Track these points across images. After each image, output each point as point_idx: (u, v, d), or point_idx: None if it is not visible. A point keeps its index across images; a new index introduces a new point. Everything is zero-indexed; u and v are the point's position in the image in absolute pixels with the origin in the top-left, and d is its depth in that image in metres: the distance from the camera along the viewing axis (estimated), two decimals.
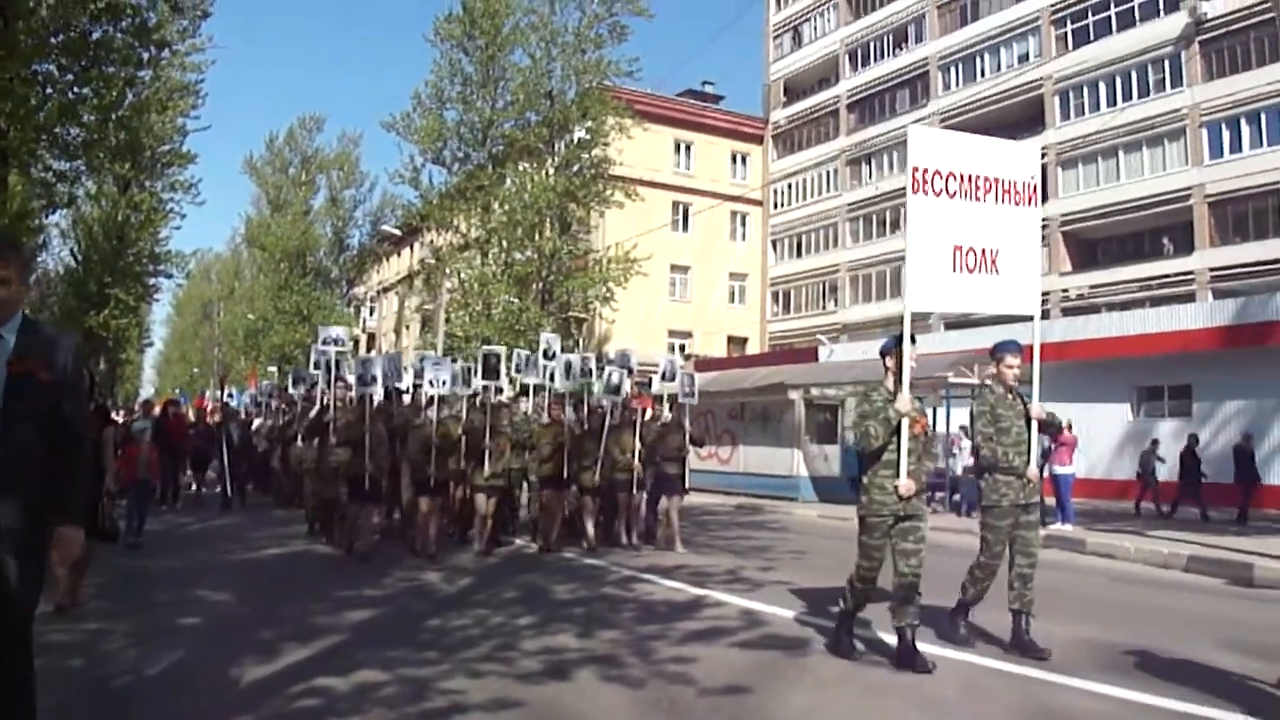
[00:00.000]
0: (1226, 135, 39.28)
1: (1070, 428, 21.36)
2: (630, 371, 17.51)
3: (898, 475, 7.87)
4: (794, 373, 32.51)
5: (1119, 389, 31.00)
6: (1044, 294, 42.80)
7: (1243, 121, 38.62)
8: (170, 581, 11.88)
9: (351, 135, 68.35)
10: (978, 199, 8.61)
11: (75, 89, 15.88)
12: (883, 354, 8.41)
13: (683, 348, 53.67)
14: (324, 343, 18.33)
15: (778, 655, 8.24)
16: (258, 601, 10.69)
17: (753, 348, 58.46)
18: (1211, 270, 38.92)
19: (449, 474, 15.17)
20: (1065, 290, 43.36)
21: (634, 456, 16.11)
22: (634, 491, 16.34)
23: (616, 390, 16.93)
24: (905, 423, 7.89)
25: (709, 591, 11.55)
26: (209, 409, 28.18)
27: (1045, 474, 21.29)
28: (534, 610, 10.20)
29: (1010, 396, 8.73)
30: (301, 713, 6.44)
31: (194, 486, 23.06)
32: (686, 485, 16.93)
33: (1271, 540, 17.22)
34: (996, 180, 8.73)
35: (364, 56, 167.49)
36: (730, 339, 58.77)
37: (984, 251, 8.56)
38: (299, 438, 19.84)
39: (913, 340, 8.11)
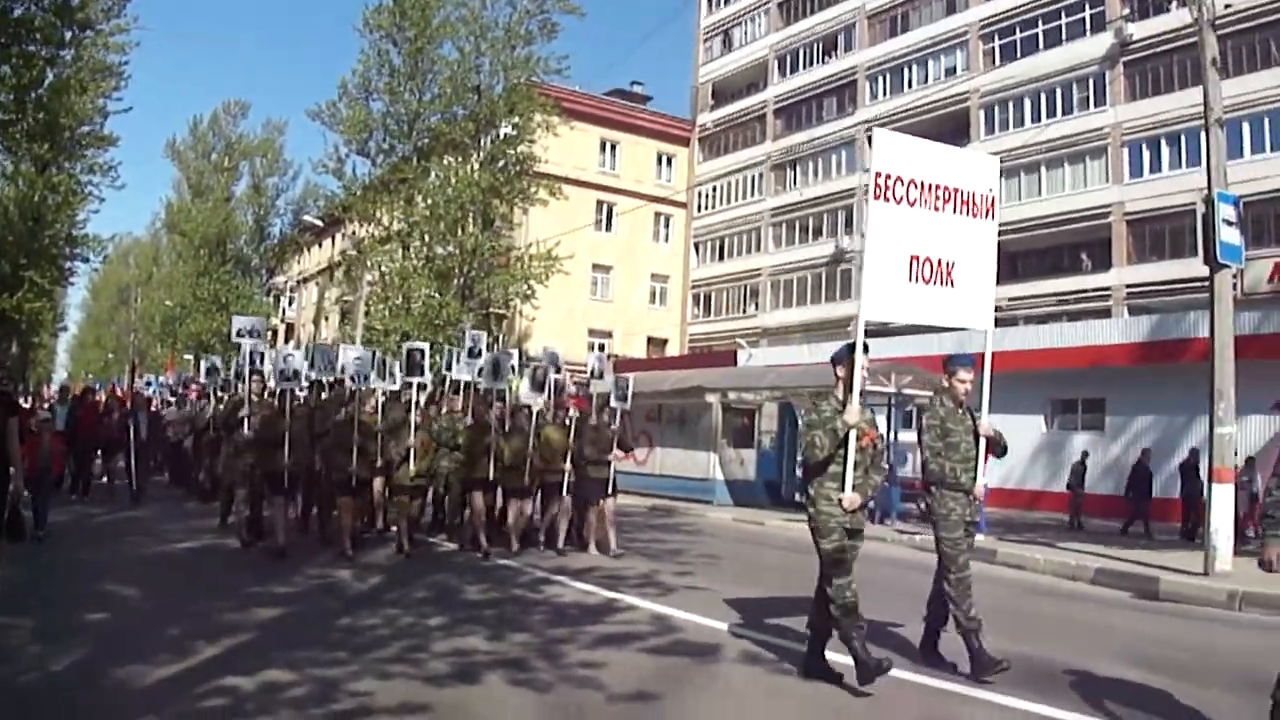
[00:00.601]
0: (1147, 155, 39.97)
1: (883, 438, 21.58)
2: (558, 369, 17.44)
3: (843, 488, 7.62)
4: (712, 376, 32.65)
5: (1034, 401, 31.57)
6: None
7: (1163, 142, 39.30)
8: (77, 576, 11.75)
9: (276, 123, 67.74)
10: (937, 209, 8.49)
11: None
12: (834, 362, 8.11)
13: (603, 347, 53.64)
14: (238, 333, 17.88)
15: (687, 661, 8.30)
16: (166, 597, 10.58)
17: (672, 349, 58.64)
18: (1128, 287, 39.57)
19: (370, 472, 14.87)
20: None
21: (564, 458, 15.89)
22: (563, 494, 16.02)
23: (541, 388, 16.76)
24: (853, 434, 7.62)
25: (621, 595, 11.61)
26: (121, 396, 27.83)
27: None
28: (444, 611, 10.18)
29: (960, 411, 8.56)
30: (208, 713, 6.41)
31: (105, 477, 22.43)
32: (612, 488, 16.41)
33: (1177, 554, 17.55)
34: (956, 190, 8.62)
35: (292, 43, 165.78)
36: (650, 340, 58.91)
37: (940, 262, 8.44)
38: (210, 429, 19.65)
39: (865, 349, 7.87)
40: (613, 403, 16.68)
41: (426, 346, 17.54)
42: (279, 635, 8.78)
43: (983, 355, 8.76)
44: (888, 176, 8.18)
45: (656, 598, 11.50)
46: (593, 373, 18.26)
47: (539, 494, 16.62)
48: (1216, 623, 12.22)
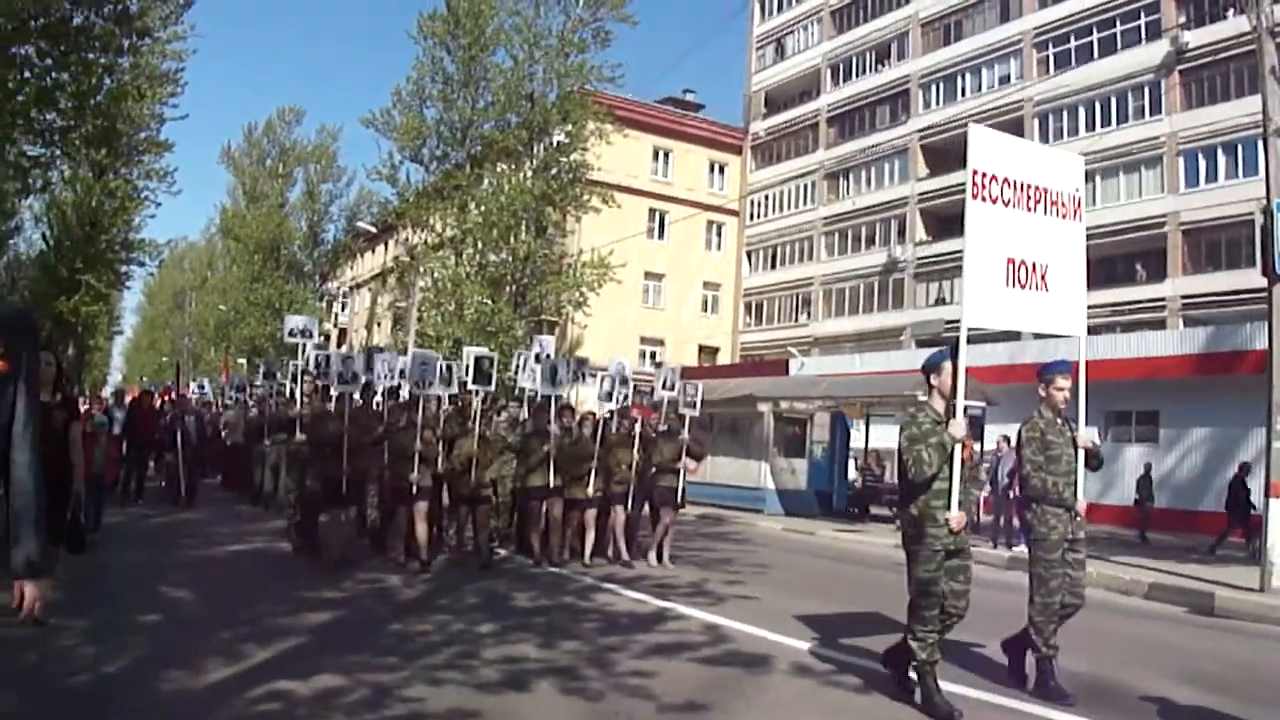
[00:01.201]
0: (1203, 164, 39.55)
1: (983, 451, 21.44)
2: (625, 380, 16.76)
3: (949, 506, 7.24)
4: (764, 385, 32.58)
5: (1088, 412, 31.13)
6: None
7: (1219, 151, 38.86)
8: (130, 578, 11.82)
9: (330, 129, 67.99)
10: (1030, 209, 8.21)
11: (53, 74, 15.69)
12: (927, 371, 7.69)
13: (654, 355, 53.63)
14: (290, 333, 17.87)
15: (739, 672, 8.22)
16: (218, 600, 10.60)
17: (724, 358, 58.50)
18: (1183, 298, 39.16)
19: (432, 481, 14.40)
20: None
21: (631, 468, 15.64)
22: (629, 505, 15.69)
23: (609, 397, 16.26)
24: (957, 448, 7.24)
25: (672, 604, 11.53)
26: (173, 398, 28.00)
27: (1010, 496, 21.42)
28: (495, 618, 10.17)
29: (1060, 422, 8.20)
30: (261, 716, 6.42)
31: (160, 480, 22.50)
32: (681, 499, 16.22)
33: (1233, 569, 17.30)
34: (1046, 190, 8.33)
35: (346, 52, 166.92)
36: (702, 348, 58.78)
37: (1034, 266, 8.14)
38: (265, 432, 19.69)
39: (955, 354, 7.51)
40: (681, 409, 16.49)
41: (496, 355, 17.31)
42: (330, 640, 8.79)
43: (1077, 364, 8.39)
44: (983, 175, 7.92)
45: (707, 607, 11.44)
46: (664, 383, 17.57)
47: (604, 505, 15.77)
48: (1270, 639, 12.02)
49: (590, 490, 15.13)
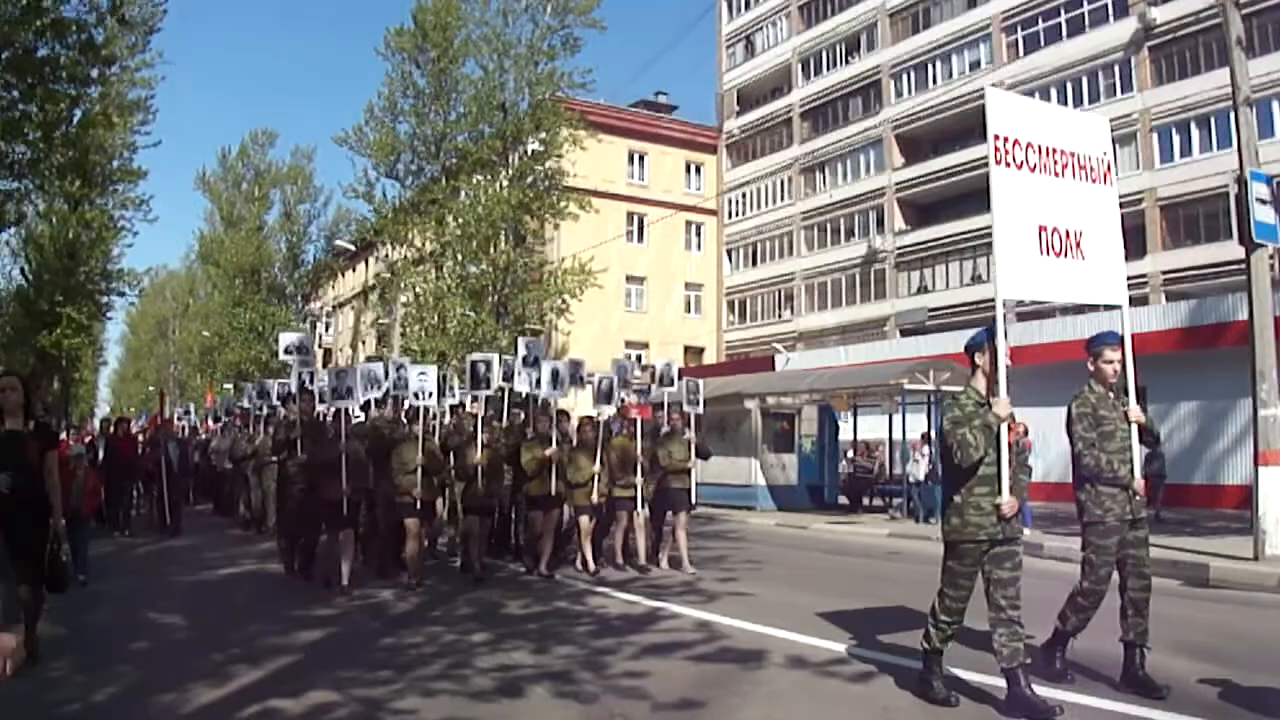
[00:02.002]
0: (1177, 139, 39.63)
1: (1027, 431, 21.48)
2: (625, 382, 16.58)
3: (998, 492, 6.83)
4: (750, 382, 32.58)
5: (1072, 393, 31.14)
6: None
7: (1193, 125, 38.95)
8: (119, 605, 11.77)
9: (305, 150, 67.89)
10: (1057, 174, 7.71)
11: (20, 106, 15.64)
12: (970, 350, 7.29)
13: (640, 358, 53.55)
14: (286, 350, 17.02)
15: (733, 668, 8.22)
16: (208, 624, 10.56)
17: (709, 358, 58.45)
18: (1164, 273, 39.20)
19: (434, 494, 14.26)
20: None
21: (636, 471, 15.05)
22: (638, 508, 15.18)
23: (609, 399, 15.82)
24: (1004, 429, 6.89)
25: (665, 604, 11.52)
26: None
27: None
28: (487, 627, 10.14)
29: (1111, 397, 7.70)
30: None
31: (145, 508, 22.40)
32: (694, 500, 15.83)
33: (1226, 540, 17.32)
34: (1072, 154, 7.85)
35: (316, 70, 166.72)
36: (687, 349, 58.71)
37: (1068, 233, 7.64)
38: (253, 455, 19.68)
39: (1004, 334, 7.09)
40: (685, 408, 16.12)
41: (495, 358, 16.44)
42: (322, 657, 8.76)
43: (1122, 336, 7.99)
44: (1005, 139, 7.46)
45: (700, 605, 11.43)
46: (660, 378, 17.25)
47: (609, 510, 15.36)
48: (1268, 608, 11.99)
49: (595, 496, 14.67)
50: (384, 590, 12.81)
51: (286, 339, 17.63)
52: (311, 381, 16.54)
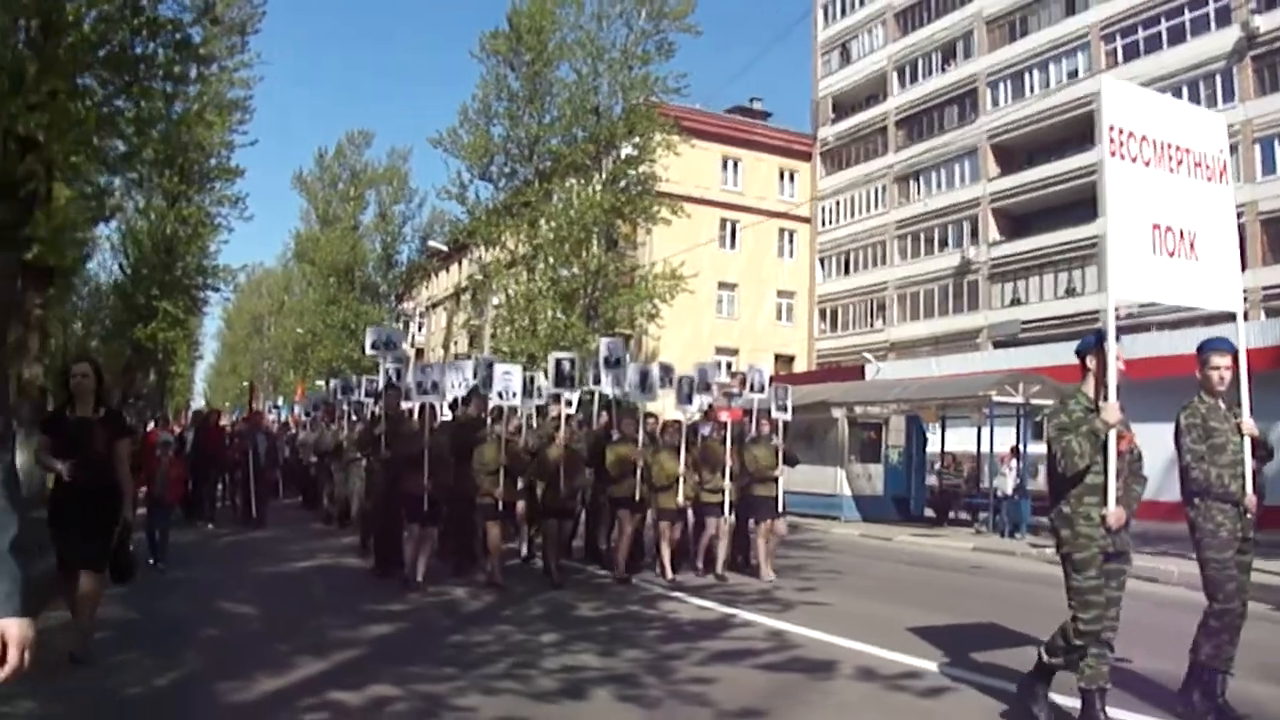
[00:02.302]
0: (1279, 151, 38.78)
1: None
2: (709, 386, 16.05)
3: (1105, 502, 6.41)
4: (837, 391, 32.24)
5: (1169, 409, 30.42)
6: (1093, 312, 42.80)
7: None
8: (192, 594, 11.90)
9: (401, 151, 68.48)
10: (1172, 170, 7.21)
11: (115, 102, 15.89)
12: (1080, 355, 6.97)
13: (729, 365, 53.39)
14: (373, 345, 17.04)
15: (801, 678, 8.07)
16: (279, 614, 10.64)
17: (800, 366, 58.07)
18: (1264, 289, 38.32)
19: (517, 495, 14.07)
20: (1115, 309, 42.74)
21: (724, 476, 14.61)
22: (724, 514, 14.67)
23: (689, 400, 15.54)
24: (1112, 437, 6.43)
25: (738, 611, 11.38)
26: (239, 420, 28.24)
27: None
28: (557, 627, 10.07)
29: (1222, 408, 7.19)
30: None
31: (229, 500, 22.57)
32: (780, 508, 15.17)
33: None
34: (1188, 150, 7.34)
35: (413, 72, 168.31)
36: (778, 357, 58.29)
37: (1182, 233, 7.13)
38: (340, 450, 19.64)
39: (1117, 337, 6.66)
40: (774, 414, 15.56)
41: (576, 356, 16.23)
42: (389, 651, 8.75)
43: (1235, 344, 7.54)
44: (1120, 130, 6.95)
45: (775, 614, 11.24)
46: (750, 385, 16.63)
47: (695, 515, 14.99)
48: None
49: (680, 500, 14.24)
50: (458, 588, 12.77)
51: (373, 333, 17.54)
52: (399, 378, 16.23)
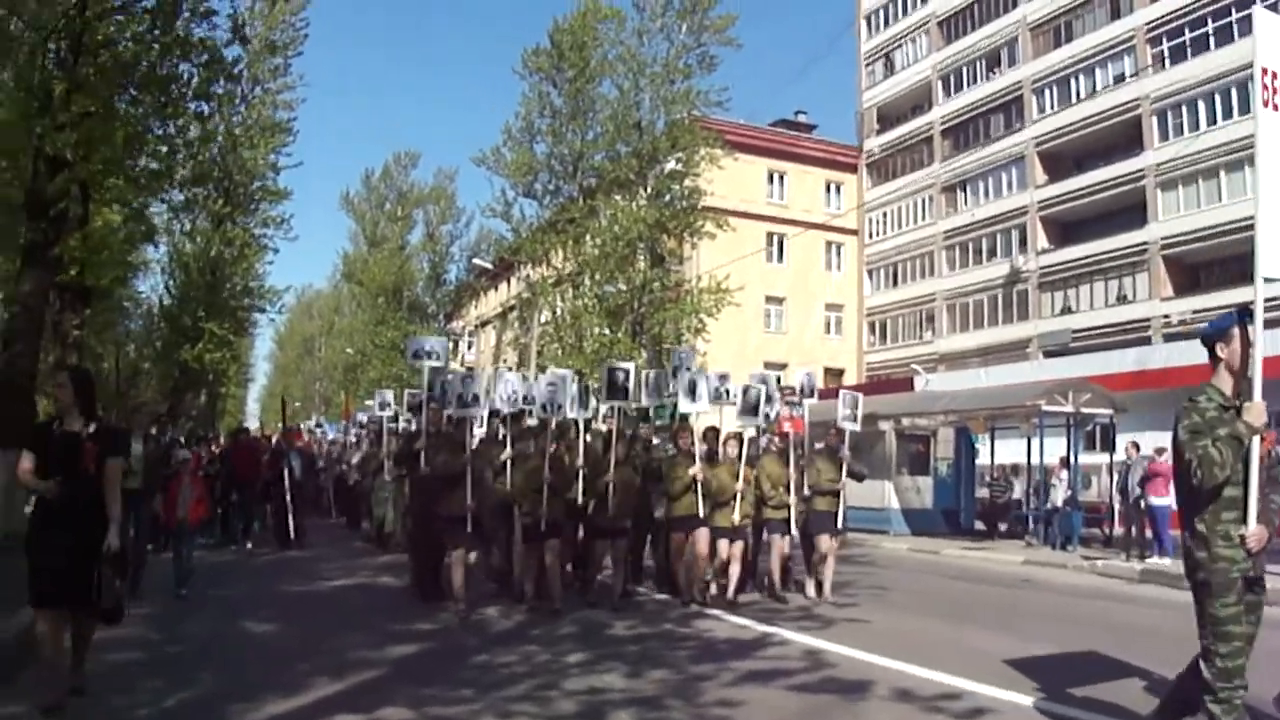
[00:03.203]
0: None
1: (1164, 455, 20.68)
2: (770, 398, 14.83)
3: (1245, 519, 5.53)
4: (885, 403, 31.86)
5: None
6: (1145, 320, 42.15)
7: None
8: (216, 613, 11.72)
9: (447, 171, 69.19)
10: None
11: (147, 122, 15.88)
12: (1208, 342, 5.95)
13: (778, 380, 52.95)
14: (415, 354, 15.90)
15: (833, 699, 7.81)
16: (303, 634, 10.48)
17: (849, 379, 57.54)
18: None
19: (564, 513, 12.84)
20: (1166, 316, 42.19)
21: (787, 490, 13.86)
22: (789, 532, 13.95)
23: (755, 411, 14.29)
24: (1255, 442, 5.56)
25: (776, 629, 11.12)
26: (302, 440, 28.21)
27: (1141, 505, 20.65)
28: (586, 647, 9.83)
29: None
30: None
31: (275, 519, 22.26)
32: (840, 524, 14.52)
33: None
34: None
35: (456, 91, 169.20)
36: (827, 370, 57.75)
37: None
38: (385, 469, 18.80)
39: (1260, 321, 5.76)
40: (840, 423, 14.77)
41: (631, 366, 14.98)
42: (408, 672, 8.57)
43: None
44: (1275, 75, 5.97)
45: (813, 631, 10.98)
46: (803, 391, 15.95)
47: (756, 532, 14.17)
48: None
49: (738, 518, 13.27)
50: (489, 607, 12.50)
51: (418, 342, 16.43)
52: (440, 390, 14.97)
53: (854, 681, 8.40)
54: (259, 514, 21.33)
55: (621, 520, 13.19)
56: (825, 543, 14.09)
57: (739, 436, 13.95)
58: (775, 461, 14.19)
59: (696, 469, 13.10)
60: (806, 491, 14.25)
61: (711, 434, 14.18)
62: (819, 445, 15.12)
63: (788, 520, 13.92)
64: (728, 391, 14.69)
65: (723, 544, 13.32)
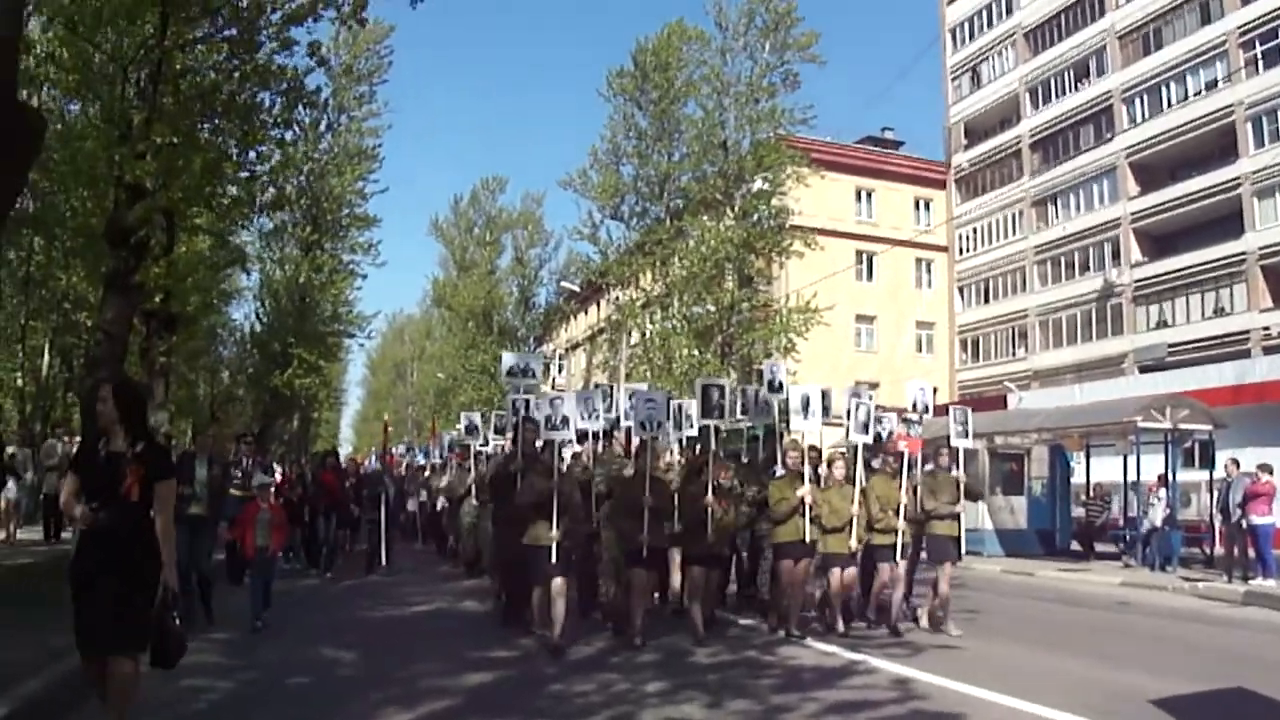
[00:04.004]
0: None
1: (1271, 473, 20.07)
2: (879, 418, 14.33)
3: None
4: (977, 421, 31.18)
5: None
6: (1243, 332, 41.16)
7: None
8: (294, 640, 11.57)
9: (535, 195, 69.33)
10: None
11: (225, 149, 16.00)
12: None
13: (871, 398, 52.38)
14: (509, 372, 15.23)
15: None
16: (377, 660, 10.34)
17: (942, 398, 56.77)
18: None
19: (665, 540, 12.25)
20: (1266, 328, 41.20)
21: (895, 514, 12.97)
22: (897, 558, 13.01)
23: (865, 429, 13.52)
24: None
25: (863, 656, 10.79)
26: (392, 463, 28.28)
27: (1243, 525, 20.08)
28: (666, 676, 9.59)
29: None
30: None
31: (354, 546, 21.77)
32: (962, 550, 13.94)
33: None
34: None
35: (542, 114, 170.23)
36: None
37: None
38: (473, 494, 18.46)
39: None
40: (953, 441, 13.95)
41: (726, 383, 14.81)
42: (482, 701, 8.44)
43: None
44: None
45: (903, 659, 10.65)
46: (921, 407, 14.76)
47: (864, 559, 13.24)
48: None
49: (853, 543, 12.55)
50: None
51: (510, 359, 16.01)
52: (529, 409, 14.21)
53: (942, 713, 8.16)
54: (340, 540, 20.77)
55: (720, 547, 12.63)
56: (947, 570, 13.20)
57: (846, 456, 13.33)
58: (885, 482, 13.31)
59: (806, 490, 12.29)
60: (921, 515, 13.41)
61: (814, 454, 13.37)
62: (930, 466, 14.21)
63: (894, 546, 13.00)
64: (828, 407, 14.09)
65: (834, 572, 12.59)
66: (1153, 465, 24.58)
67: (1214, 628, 14.44)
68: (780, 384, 14.69)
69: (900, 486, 13.15)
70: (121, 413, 6.25)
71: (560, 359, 79.78)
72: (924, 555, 13.97)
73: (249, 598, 12.36)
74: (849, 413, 13.62)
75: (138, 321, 19.01)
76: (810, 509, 12.30)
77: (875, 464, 13.91)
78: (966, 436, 14.14)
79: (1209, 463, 24.43)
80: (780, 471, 13.43)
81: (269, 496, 13.08)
